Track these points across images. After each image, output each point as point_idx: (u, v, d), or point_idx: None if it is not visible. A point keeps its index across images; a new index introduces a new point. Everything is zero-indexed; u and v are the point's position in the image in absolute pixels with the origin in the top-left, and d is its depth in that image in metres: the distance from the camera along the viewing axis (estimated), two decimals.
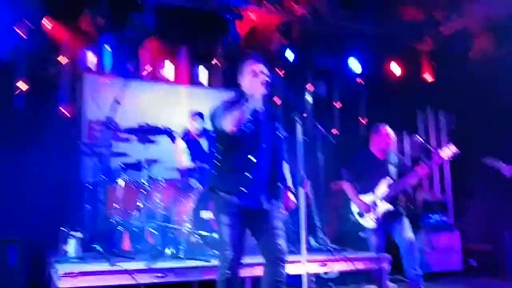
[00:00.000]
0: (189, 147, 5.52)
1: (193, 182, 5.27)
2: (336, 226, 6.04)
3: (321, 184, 5.34)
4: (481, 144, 6.18)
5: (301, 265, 3.45)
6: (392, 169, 5.00)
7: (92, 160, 5.45)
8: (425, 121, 8.25)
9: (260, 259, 4.18)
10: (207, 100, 6.93)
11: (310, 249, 5.05)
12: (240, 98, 3.32)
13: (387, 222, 4.88)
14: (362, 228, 5.99)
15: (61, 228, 4.50)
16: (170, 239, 4.37)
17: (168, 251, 4.27)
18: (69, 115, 6.22)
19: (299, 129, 3.93)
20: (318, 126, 4.87)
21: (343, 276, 5.23)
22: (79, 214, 5.18)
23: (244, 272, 4.08)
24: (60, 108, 6.15)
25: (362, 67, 7.95)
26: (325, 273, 4.88)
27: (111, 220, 4.93)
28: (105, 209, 4.66)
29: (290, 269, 4.12)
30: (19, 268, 4.28)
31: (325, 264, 4.50)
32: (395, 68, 8.16)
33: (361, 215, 4.98)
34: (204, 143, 5.64)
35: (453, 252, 6.32)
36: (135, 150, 5.55)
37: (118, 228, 4.98)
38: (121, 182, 5.09)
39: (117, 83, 4.63)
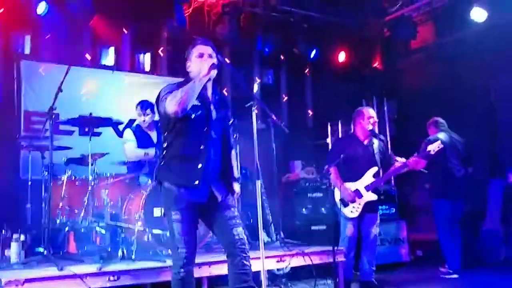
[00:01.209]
0: (137, 137, 5.26)
1: (143, 177, 5.06)
2: (288, 220, 6.01)
3: (274, 176, 5.25)
4: (422, 133, 6.32)
5: (259, 262, 3.34)
6: (377, 157, 4.96)
7: (32, 155, 5.07)
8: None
9: (215, 257, 4.17)
10: (152, 88, 6.73)
11: (264, 244, 5.01)
12: (186, 82, 3.16)
13: (362, 211, 4.87)
14: (316, 221, 6.09)
15: (2, 232, 4.15)
16: (121, 239, 4.14)
17: (120, 252, 4.04)
18: (4, 106, 5.77)
19: (254, 118, 3.83)
20: (272, 115, 4.79)
21: (296, 271, 5.22)
22: (20, 215, 4.84)
23: (201, 272, 3.98)
24: None
25: (308, 55, 7.94)
26: (278, 269, 4.83)
27: (56, 220, 4.61)
28: (49, 209, 4.33)
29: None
30: None
31: (284, 260, 4.43)
32: (342, 57, 8.21)
33: (344, 203, 4.90)
34: (154, 135, 5.40)
35: (400, 243, 6.44)
36: (79, 144, 5.25)
37: (63, 229, 4.70)
38: (64, 178, 4.76)
39: (57, 70, 4.27)
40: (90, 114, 4.86)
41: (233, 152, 3.50)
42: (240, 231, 3.20)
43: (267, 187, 5.41)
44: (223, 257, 4.11)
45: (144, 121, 5.24)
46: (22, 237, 4.06)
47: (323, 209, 6.17)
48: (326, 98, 8.06)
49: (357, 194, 4.85)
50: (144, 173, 4.99)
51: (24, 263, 3.91)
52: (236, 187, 3.42)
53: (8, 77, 5.87)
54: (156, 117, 5.16)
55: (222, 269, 4.08)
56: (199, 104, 3.17)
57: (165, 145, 3.26)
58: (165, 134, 3.26)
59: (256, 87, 7.73)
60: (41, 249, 4.01)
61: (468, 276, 5.62)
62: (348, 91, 7.96)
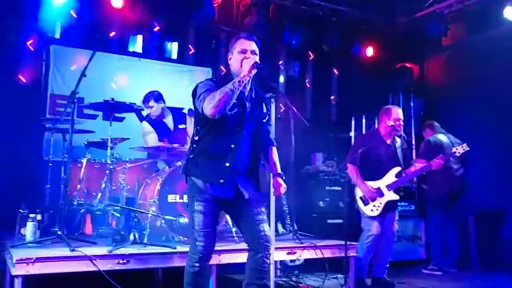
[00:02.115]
0: (156, 128, 5.33)
1: (161, 162, 5.13)
2: (305, 212, 6.00)
3: (291, 167, 5.23)
4: (449, 131, 6.21)
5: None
6: (400, 157, 4.93)
7: (54, 137, 5.20)
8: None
9: (226, 246, 4.20)
10: (178, 76, 6.81)
11: (278, 236, 5.02)
12: (226, 78, 3.12)
13: (384, 210, 4.83)
14: (333, 215, 6.05)
15: (20, 210, 4.28)
16: (134, 223, 4.21)
17: (131, 236, 4.11)
18: (31, 88, 5.92)
19: (273, 110, 3.83)
20: (293, 107, 4.77)
21: (309, 263, 5.21)
22: (39, 195, 4.97)
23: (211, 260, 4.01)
24: (22, 80, 5.82)
25: (336, 49, 7.86)
26: (291, 260, 4.83)
27: (73, 201, 4.73)
28: (67, 190, 4.45)
29: None
30: None
31: (294, 252, 4.43)
32: (370, 51, 8.10)
33: (365, 201, 4.86)
34: (168, 121, 5.43)
35: (417, 241, 6.38)
36: (102, 128, 5.35)
37: (80, 210, 4.82)
38: (84, 161, 4.87)
39: (85, 55, 4.35)
40: (112, 99, 4.93)
41: (274, 149, 3.44)
42: (266, 228, 3.19)
43: (285, 179, 5.38)
44: (233, 246, 4.23)
45: (150, 113, 5.28)
46: (39, 217, 4.16)
47: (340, 203, 6.14)
48: (352, 92, 7.96)
49: (379, 193, 4.82)
50: (162, 159, 5.05)
51: (38, 242, 4.00)
52: (281, 181, 3.38)
53: (37, 60, 5.99)
54: (162, 105, 5.23)
55: (232, 258, 4.13)
56: (236, 102, 3.11)
57: (196, 138, 3.24)
58: (198, 128, 3.24)
59: (281, 79, 7.70)
60: (57, 230, 4.08)
61: (485, 276, 5.55)
62: (375, 86, 7.82)
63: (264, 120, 3.34)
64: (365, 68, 8.08)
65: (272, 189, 3.45)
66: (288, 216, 5.38)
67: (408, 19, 7.85)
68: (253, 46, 3.19)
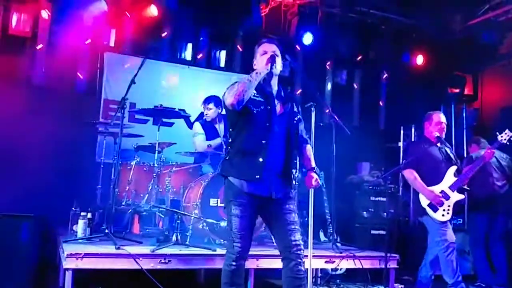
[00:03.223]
0: (205, 128, 5.50)
1: (206, 166, 5.27)
2: (348, 222, 5.98)
3: (334, 176, 5.23)
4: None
5: (307, 260, 3.44)
6: (451, 155, 4.78)
7: (107, 140, 5.46)
8: (446, 116, 8.02)
9: (265, 251, 4.27)
10: (225, 84, 6.94)
11: (319, 244, 5.04)
12: None
13: (453, 212, 4.66)
14: (376, 226, 5.98)
15: (72, 208, 4.52)
16: (177, 225, 4.36)
17: (174, 237, 4.26)
18: (87, 94, 6.25)
19: (313, 118, 3.88)
20: (334, 116, 4.79)
21: (352, 273, 5.19)
22: (91, 194, 5.22)
23: (248, 264, 4.07)
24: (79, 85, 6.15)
25: (385, 57, 7.80)
26: (333, 269, 4.83)
27: (121, 202, 4.94)
28: (116, 191, 4.67)
29: None
30: (31, 245, 4.34)
31: (333, 261, 4.44)
32: (420, 60, 7.97)
33: (434, 208, 4.62)
34: (220, 127, 5.60)
35: (465, 256, 6.20)
36: (151, 132, 5.56)
37: (128, 211, 5.03)
38: (133, 163, 5.08)
39: (136, 62, 4.57)
40: (161, 105, 5.15)
41: (308, 146, 3.53)
42: (298, 237, 3.25)
43: (326, 187, 5.40)
44: (272, 251, 4.29)
45: (207, 115, 5.45)
46: (89, 215, 4.38)
47: (384, 213, 6.07)
48: (401, 101, 7.86)
49: (444, 195, 4.62)
50: (207, 163, 5.20)
51: (88, 239, 4.22)
52: (314, 174, 3.43)
53: (93, 67, 6.32)
54: (220, 110, 5.39)
55: (270, 263, 4.19)
56: (262, 100, 3.26)
57: (230, 140, 3.38)
58: (230, 130, 3.38)
59: (328, 87, 7.71)
60: (105, 228, 4.28)
61: None
62: (425, 95, 7.69)
63: (296, 119, 3.43)
64: (415, 76, 7.96)
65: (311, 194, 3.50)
66: (330, 224, 5.38)
67: (461, 27, 7.66)
68: (273, 47, 3.33)
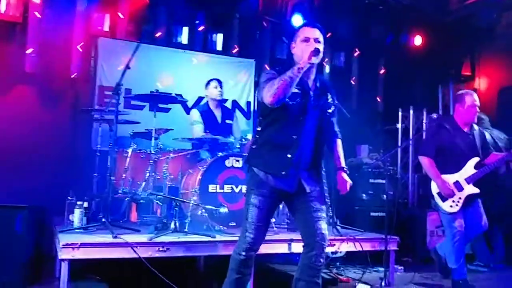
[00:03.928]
0: (203, 117, 5.44)
1: (204, 152, 5.22)
2: (347, 205, 5.95)
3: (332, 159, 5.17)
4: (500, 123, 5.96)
5: None
6: (479, 146, 4.54)
7: (102, 127, 5.39)
8: (445, 97, 7.99)
9: (266, 236, 4.22)
10: (223, 67, 6.87)
11: None
12: (290, 68, 3.01)
13: (465, 205, 4.49)
14: (376, 208, 5.94)
15: (68, 198, 4.47)
16: (176, 212, 4.31)
17: (172, 224, 4.22)
18: (81, 80, 6.15)
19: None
20: (334, 99, 4.70)
21: (352, 256, 5.18)
22: (88, 183, 5.16)
23: None
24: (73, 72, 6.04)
25: (383, 38, 7.71)
26: (333, 252, 4.81)
27: (118, 190, 4.89)
28: (113, 179, 4.62)
29: (296, 247, 4.12)
30: (26, 236, 4.29)
31: (333, 244, 4.41)
32: (418, 41, 7.88)
33: (442, 198, 4.49)
34: (218, 114, 5.56)
35: None
36: (148, 118, 5.48)
37: (125, 199, 4.98)
38: (130, 151, 5.02)
39: (130, 48, 4.47)
40: (156, 90, 5.07)
41: (339, 141, 3.39)
42: (324, 227, 3.12)
43: (327, 171, 5.35)
44: (273, 237, 4.26)
45: (209, 96, 5.52)
46: (86, 204, 4.33)
47: (384, 195, 6.04)
48: (399, 83, 7.79)
49: (457, 187, 4.46)
50: (205, 149, 5.14)
51: (85, 229, 4.17)
52: (345, 176, 3.32)
53: (87, 53, 6.20)
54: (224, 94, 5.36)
55: (269, 248, 4.16)
56: (299, 91, 3.06)
57: (259, 129, 3.24)
58: (260, 119, 3.24)
59: (327, 69, 7.62)
60: (102, 217, 4.24)
61: None
62: (423, 76, 7.64)
63: (330, 111, 3.23)
64: (414, 57, 7.88)
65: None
66: (330, 208, 5.34)
67: (458, 7, 7.55)
68: (316, 33, 3.11)
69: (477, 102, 4.52)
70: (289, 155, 3.06)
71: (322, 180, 3.27)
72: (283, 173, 3.07)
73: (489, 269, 5.67)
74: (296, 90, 3.02)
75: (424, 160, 4.55)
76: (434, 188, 4.53)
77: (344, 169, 3.32)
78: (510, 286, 4.27)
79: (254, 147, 3.24)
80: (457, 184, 4.45)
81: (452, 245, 4.46)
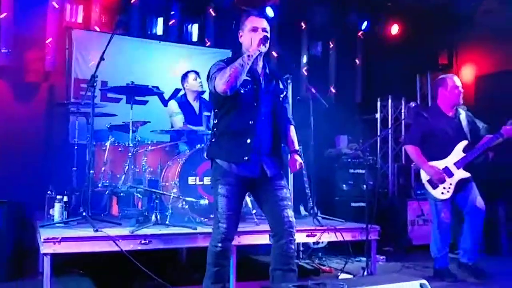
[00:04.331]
0: (183, 111, 5.39)
1: (182, 144, 5.18)
2: (328, 195, 5.99)
3: (312, 150, 5.20)
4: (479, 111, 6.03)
5: None
6: (466, 129, 4.49)
7: (79, 121, 5.30)
8: (423, 86, 8.07)
9: (246, 227, 4.23)
10: (199, 58, 6.81)
11: (300, 218, 5.03)
12: (237, 57, 3.10)
13: (456, 190, 4.41)
14: (356, 198, 5.98)
15: (48, 192, 4.40)
16: (156, 205, 4.27)
17: (153, 217, 4.18)
18: (57, 73, 6.02)
19: (290, 91, 3.81)
20: (312, 89, 4.71)
21: (333, 246, 5.22)
22: (67, 177, 5.09)
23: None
24: (47, 65, 5.91)
25: (359, 27, 7.73)
26: (315, 243, 4.84)
27: (98, 184, 4.82)
28: (93, 172, 4.56)
29: None
30: (6, 231, 4.23)
31: (314, 235, 4.42)
32: (395, 29, 7.91)
33: (433, 185, 4.43)
34: (196, 106, 5.52)
35: None
36: (125, 111, 5.41)
37: (105, 192, 4.92)
38: (108, 144, 4.95)
39: (105, 39, 4.39)
40: (132, 82, 5.01)
41: (292, 127, 3.43)
42: (290, 214, 3.18)
43: (305, 161, 5.37)
44: (254, 228, 4.26)
45: (187, 88, 5.46)
46: (65, 198, 4.27)
47: (364, 186, 6.10)
48: (377, 72, 7.84)
49: (447, 172, 4.39)
50: (183, 141, 5.10)
51: (65, 223, 4.11)
52: (298, 157, 3.37)
53: (61, 45, 6.08)
54: (203, 85, 5.31)
55: (251, 240, 4.16)
56: (249, 78, 3.14)
57: (215, 121, 3.27)
58: (216, 111, 3.27)
59: (304, 59, 7.61)
60: (83, 211, 4.17)
61: None
62: (401, 65, 7.67)
63: (282, 95, 3.32)
64: (391, 47, 7.90)
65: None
66: (310, 198, 5.37)
67: None
68: (264, 23, 3.18)
69: (459, 83, 4.49)
70: (248, 140, 3.13)
71: (283, 164, 3.32)
72: (245, 158, 3.12)
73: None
74: (247, 78, 3.10)
75: (410, 149, 4.52)
76: (424, 176, 4.48)
77: (298, 151, 3.40)
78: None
79: (213, 140, 3.28)
80: (446, 170, 4.39)
81: (437, 234, 4.48)
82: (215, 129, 3.28)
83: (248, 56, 3.04)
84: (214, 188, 3.23)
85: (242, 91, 3.11)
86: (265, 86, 3.22)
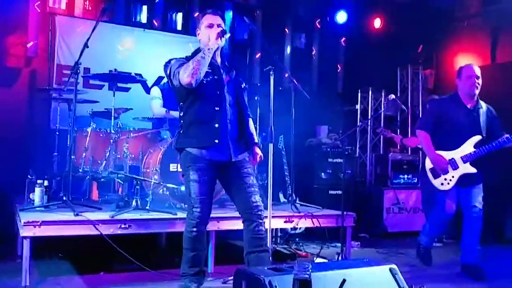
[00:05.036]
0: (164, 96, 5.45)
1: (164, 132, 5.24)
2: (307, 183, 6.10)
3: (293, 139, 5.29)
4: None
5: (266, 221, 3.53)
6: (483, 124, 4.28)
7: (61, 106, 5.32)
8: (403, 79, 8.19)
9: (225, 213, 4.32)
10: (183, 47, 6.82)
11: (279, 205, 5.14)
12: (197, 53, 3.29)
13: (460, 184, 4.28)
14: (334, 186, 6.09)
15: (28, 176, 4.43)
16: (137, 190, 4.34)
17: (134, 202, 4.25)
18: (39, 59, 6.02)
19: (272, 82, 3.89)
20: (293, 80, 4.79)
21: (311, 232, 5.34)
22: (48, 162, 5.12)
23: (209, 226, 4.10)
24: (29, 50, 5.90)
25: (343, 20, 7.83)
26: (292, 229, 4.95)
27: (79, 169, 4.87)
28: (74, 158, 4.60)
29: None
30: None
31: (292, 221, 4.54)
32: (377, 23, 8.03)
33: (434, 174, 4.34)
34: None
35: (418, 213, 6.47)
36: (107, 98, 5.45)
37: (86, 177, 4.96)
38: (89, 130, 4.98)
39: (89, 26, 4.42)
40: (115, 69, 5.05)
41: (250, 120, 3.60)
42: (258, 199, 3.36)
43: (286, 150, 5.47)
44: (233, 214, 4.34)
45: None
46: (46, 183, 4.31)
47: (342, 174, 6.22)
48: (359, 64, 7.94)
49: (452, 164, 4.25)
50: (165, 129, 5.16)
51: (46, 207, 4.16)
52: (258, 150, 3.58)
53: (44, 31, 6.06)
54: None
55: (231, 225, 4.27)
56: (210, 70, 3.33)
57: (181, 114, 3.41)
58: (181, 104, 3.40)
59: (288, 50, 7.69)
60: (63, 196, 4.22)
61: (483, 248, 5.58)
62: (382, 58, 7.79)
63: (242, 86, 3.54)
64: (373, 40, 8.02)
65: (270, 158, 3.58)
66: (289, 186, 5.48)
67: None
68: (218, 20, 3.40)
69: (475, 73, 4.28)
70: (216, 125, 3.29)
71: (251, 151, 3.52)
72: (216, 141, 3.27)
73: (443, 244, 5.92)
74: (207, 70, 3.28)
75: (420, 134, 4.39)
76: (428, 164, 4.39)
77: (257, 144, 3.60)
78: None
79: (181, 131, 3.40)
80: (452, 161, 4.26)
81: (433, 221, 4.51)
82: (181, 121, 3.41)
83: (209, 49, 3.23)
84: (185, 175, 3.34)
85: (205, 82, 3.28)
86: (226, 76, 3.42)
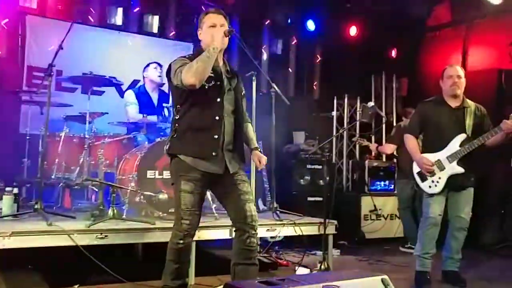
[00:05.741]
0: (139, 99, 5.31)
1: (140, 137, 5.08)
2: (286, 190, 6.02)
3: (272, 145, 5.21)
4: None
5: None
6: (469, 123, 4.20)
7: (31, 110, 5.10)
8: (378, 86, 8.25)
9: (205, 222, 4.19)
10: (159, 50, 6.69)
11: (258, 213, 5.02)
12: (199, 53, 3.07)
13: (450, 187, 4.18)
14: (313, 193, 6.03)
15: None
16: (113, 198, 4.16)
17: (110, 211, 4.07)
18: (8, 59, 5.78)
19: (254, 87, 3.81)
20: (274, 86, 4.71)
21: (290, 240, 5.25)
22: (17, 168, 4.89)
23: None
24: None
25: (320, 28, 7.83)
26: (271, 237, 4.86)
27: (51, 175, 4.66)
28: (45, 164, 4.39)
29: None
30: None
31: (274, 229, 4.44)
32: (353, 31, 8.07)
33: (422, 177, 4.24)
34: (155, 97, 5.45)
35: (396, 219, 6.49)
36: (80, 101, 5.27)
37: (58, 184, 4.75)
38: (62, 135, 4.79)
39: (63, 27, 4.24)
40: (90, 72, 4.88)
41: (249, 125, 3.45)
42: (253, 208, 3.18)
43: (266, 156, 5.38)
44: (213, 223, 4.23)
45: (146, 78, 5.51)
46: (15, 190, 4.09)
47: (320, 181, 6.19)
48: (335, 71, 7.96)
49: (438, 165, 4.16)
50: (142, 133, 5.00)
51: (15, 216, 3.94)
52: (261, 154, 3.41)
53: (13, 31, 5.83)
54: (163, 77, 5.25)
55: (211, 235, 4.14)
56: (212, 75, 3.10)
57: (177, 117, 3.18)
58: (178, 107, 3.19)
59: (264, 57, 7.63)
60: (35, 204, 4.00)
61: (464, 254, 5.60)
62: (358, 65, 7.83)
63: (243, 93, 3.34)
64: (349, 47, 8.05)
65: (253, 164, 3.46)
66: (268, 193, 5.39)
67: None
68: (222, 20, 3.20)
69: (454, 73, 4.23)
70: (215, 136, 3.10)
71: (244, 160, 3.32)
72: (214, 154, 3.09)
73: None
74: (210, 74, 3.07)
75: (406, 137, 4.35)
76: (415, 167, 4.30)
77: (258, 149, 3.45)
78: (438, 265, 4.45)
79: (175, 136, 3.20)
80: (438, 162, 4.17)
81: (423, 231, 4.26)
82: (176, 124, 3.19)
83: (214, 48, 3.01)
84: (176, 184, 3.15)
85: (206, 87, 3.07)
86: (228, 82, 3.22)
